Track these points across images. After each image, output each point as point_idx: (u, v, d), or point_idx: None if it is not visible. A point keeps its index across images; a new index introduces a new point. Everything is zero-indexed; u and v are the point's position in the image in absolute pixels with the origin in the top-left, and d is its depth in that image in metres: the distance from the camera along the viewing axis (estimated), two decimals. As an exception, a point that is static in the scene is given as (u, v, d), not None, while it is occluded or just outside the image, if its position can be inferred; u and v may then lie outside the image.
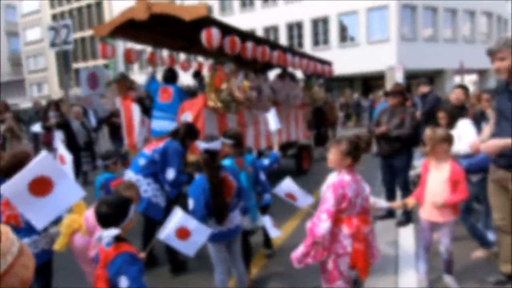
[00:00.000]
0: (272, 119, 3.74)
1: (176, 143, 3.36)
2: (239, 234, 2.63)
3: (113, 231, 1.75)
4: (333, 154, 2.30)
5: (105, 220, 1.78)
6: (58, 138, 6.25)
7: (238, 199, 2.57)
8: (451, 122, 3.61)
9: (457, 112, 3.83)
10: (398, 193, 4.54)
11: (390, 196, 4.58)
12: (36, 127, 7.67)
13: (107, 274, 1.72)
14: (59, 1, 34.93)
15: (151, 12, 4.44)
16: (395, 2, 20.13)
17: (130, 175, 3.38)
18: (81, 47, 33.50)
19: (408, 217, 4.28)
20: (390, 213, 4.57)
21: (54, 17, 34.51)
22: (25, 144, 8.41)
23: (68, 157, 2.88)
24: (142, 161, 3.38)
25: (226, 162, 2.77)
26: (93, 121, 8.15)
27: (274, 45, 5.78)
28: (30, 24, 37.17)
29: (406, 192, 4.36)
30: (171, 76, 4.88)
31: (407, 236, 3.98)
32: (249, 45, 4.86)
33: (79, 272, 2.68)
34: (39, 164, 1.60)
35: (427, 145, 2.77)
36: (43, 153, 1.64)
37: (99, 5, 32.13)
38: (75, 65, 30.88)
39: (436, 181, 2.73)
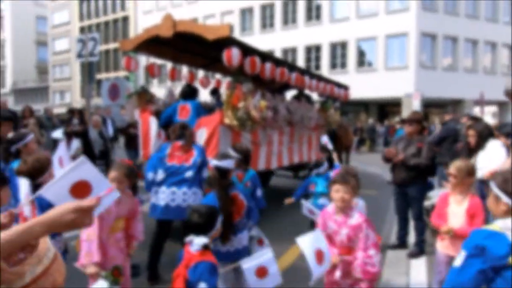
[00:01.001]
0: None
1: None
2: (247, 255, 2.61)
3: (203, 240, 1.91)
4: (347, 193, 2.30)
5: (195, 229, 1.94)
6: (75, 145, 6.43)
7: (248, 219, 2.56)
8: (480, 142, 3.56)
9: (487, 132, 3.73)
10: (411, 222, 4.44)
11: (403, 225, 4.48)
12: (57, 133, 7.90)
13: (187, 275, 1.85)
14: (89, 14, 36.55)
15: (176, 31, 4.61)
16: (415, 30, 20.24)
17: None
18: (105, 59, 34.69)
19: (421, 248, 4.17)
20: (402, 243, 4.45)
21: (82, 29, 36.07)
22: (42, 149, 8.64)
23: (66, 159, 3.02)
24: (189, 174, 3.37)
25: None
26: (110, 131, 8.35)
27: (293, 67, 5.87)
28: (59, 35, 38.89)
29: (420, 222, 4.27)
30: (189, 92, 4.99)
31: (419, 268, 3.86)
32: (268, 65, 4.96)
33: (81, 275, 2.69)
34: (79, 168, 1.67)
35: (454, 178, 2.71)
36: (82, 158, 1.71)
37: (125, 20, 33.47)
38: (98, 76, 31.95)
39: (456, 214, 2.69)
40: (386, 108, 23.22)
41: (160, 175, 3.27)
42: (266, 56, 5.11)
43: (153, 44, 5.29)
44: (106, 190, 1.77)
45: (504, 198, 1.58)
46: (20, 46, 42.56)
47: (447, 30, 21.05)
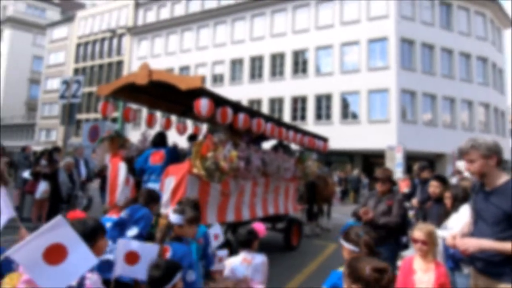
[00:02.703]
0: None
1: (145, 208, 3.27)
2: None
3: None
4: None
5: (152, 283, 1.97)
6: (42, 187, 6.18)
7: None
8: (456, 204, 3.59)
9: (463, 195, 3.75)
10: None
11: (376, 287, 4.26)
12: (26, 174, 7.65)
13: None
14: (84, 57, 37.55)
15: (151, 79, 4.68)
16: (395, 86, 21.27)
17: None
18: (87, 100, 34.92)
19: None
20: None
21: (76, 70, 36.82)
22: (10, 189, 8.31)
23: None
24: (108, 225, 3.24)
25: None
26: (83, 172, 8.12)
27: (268, 118, 5.95)
28: (52, 74, 39.54)
29: (392, 284, 4.07)
30: (160, 140, 4.95)
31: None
32: (241, 116, 5.00)
33: None
34: (55, 229, 1.57)
35: (424, 245, 2.63)
36: (59, 217, 1.61)
37: (119, 64, 34.41)
38: (78, 116, 32.05)
39: (423, 283, 2.57)
40: (370, 160, 23.56)
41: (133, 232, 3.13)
42: (239, 107, 5.17)
43: (131, 90, 5.34)
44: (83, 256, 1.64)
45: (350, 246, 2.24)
46: (13, 83, 42.95)
47: (425, 88, 22.19)
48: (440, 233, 3.27)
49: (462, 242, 2.29)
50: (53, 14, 46.74)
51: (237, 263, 2.73)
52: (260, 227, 2.99)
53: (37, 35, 44.94)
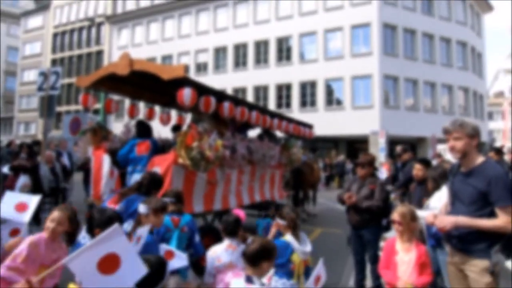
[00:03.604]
0: None
1: (142, 198, 3.23)
2: None
3: None
4: None
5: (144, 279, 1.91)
6: (22, 181, 6.03)
7: None
8: (437, 186, 3.71)
9: (443, 176, 3.88)
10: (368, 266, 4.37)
11: (360, 269, 4.40)
12: (5, 168, 7.43)
13: None
14: (62, 47, 36.28)
15: (132, 69, 4.59)
16: (378, 72, 21.50)
17: None
18: (67, 92, 33.96)
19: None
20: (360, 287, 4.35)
21: (54, 61, 35.58)
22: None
23: (31, 201, 2.91)
24: None
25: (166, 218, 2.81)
26: (67, 164, 7.96)
27: (252, 106, 5.94)
28: (29, 65, 38.13)
29: (376, 265, 4.21)
30: (144, 131, 4.89)
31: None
32: (226, 104, 4.98)
33: None
34: (111, 238, 1.57)
35: (400, 225, 2.75)
36: (115, 226, 1.60)
37: (99, 54, 33.43)
38: (58, 108, 31.18)
39: (405, 263, 2.70)
40: (354, 145, 23.91)
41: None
42: (223, 96, 5.15)
43: (111, 81, 5.22)
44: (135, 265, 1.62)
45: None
46: (-13, 75, 41.28)
47: (407, 73, 22.52)
48: (421, 213, 3.40)
49: (439, 220, 2.40)
50: (26, 3, 44.70)
51: (222, 250, 2.77)
52: (241, 213, 3.05)
53: (11, 25, 43.04)
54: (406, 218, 2.77)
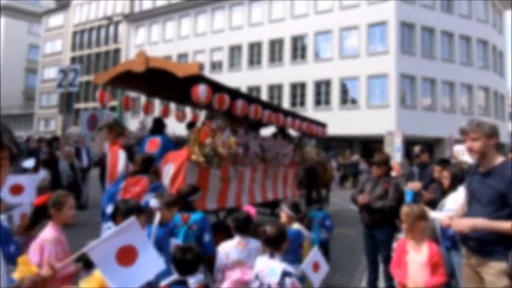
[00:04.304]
0: None
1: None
2: None
3: (200, 276, 2.11)
4: None
5: (188, 267, 2.08)
6: (42, 175, 6.21)
7: None
8: (454, 184, 3.59)
9: (461, 175, 3.77)
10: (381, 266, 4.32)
11: (373, 269, 4.36)
12: (28, 163, 7.68)
13: None
14: (81, 45, 37.13)
15: (148, 66, 4.66)
16: (394, 71, 21.12)
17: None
18: (85, 89, 34.69)
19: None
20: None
21: (73, 59, 36.44)
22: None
23: (27, 182, 2.91)
24: None
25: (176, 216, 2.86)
26: (85, 161, 8.16)
27: (266, 104, 5.95)
28: (49, 63, 39.17)
29: (388, 266, 4.15)
30: (157, 127, 4.96)
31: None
32: (239, 102, 5.00)
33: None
34: (128, 231, 1.61)
35: (404, 223, 2.75)
36: (132, 219, 1.64)
37: (117, 52, 34.05)
38: (76, 105, 31.84)
39: (416, 263, 2.66)
40: (369, 145, 23.59)
41: (109, 209, 3.14)
42: (237, 94, 5.17)
43: (127, 78, 5.32)
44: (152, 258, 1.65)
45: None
46: (10, 72, 42.48)
47: (425, 72, 22.04)
48: (435, 214, 3.33)
49: (456, 222, 2.35)
50: (48, 2, 45.92)
51: (232, 247, 2.79)
52: (251, 210, 3.08)
53: (32, 24, 44.30)
54: (409, 217, 2.73)
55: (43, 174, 6.07)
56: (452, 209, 3.61)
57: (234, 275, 2.65)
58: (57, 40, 39.33)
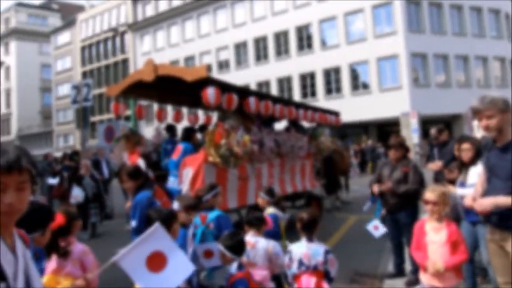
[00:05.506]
0: None
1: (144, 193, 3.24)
2: None
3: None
4: None
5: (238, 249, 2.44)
6: (76, 193, 6.43)
7: None
8: (475, 158, 3.38)
9: (483, 147, 3.56)
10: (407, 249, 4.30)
11: (399, 253, 4.35)
12: (53, 180, 7.97)
13: None
14: (90, 59, 37.93)
15: (157, 74, 4.76)
16: (404, 51, 20.66)
17: None
18: (98, 102, 35.37)
19: (418, 276, 4.01)
20: (399, 272, 4.30)
21: (84, 74, 37.30)
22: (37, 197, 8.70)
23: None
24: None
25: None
26: (105, 172, 8.40)
27: (277, 99, 5.97)
28: (62, 80, 40.22)
29: (414, 248, 4.14)
30: (185, 136, 5.09)
31: (416, 298, 3.70)
32: (252, 100, 5.05)
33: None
34: (154, 237, 1.63)
35: (435, 205, 2.69)
36: (156, 225, 1.65)
37: (125, 62, 34.62)
38: (92, 118, 32.53)
39: (435, 244, 2.64)
40: (385, 128, 23.23)
41: (134, 224, 3.14)
42: (246, 91, 5.22)
43: (138, 87, 5.45)
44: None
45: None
46: (25, 93, 43.93)
47: (436, 49, 21.46)
48: (461, 191, 3.27)
49: (478, 203, 2.33)
50: (54, 20, 47.07)
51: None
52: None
53: (42, 43, 45.48)
54: (444, 198, 2.69)
55: (77, 191, 6.30)
56: (475, 183, 3.51)
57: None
58: (67, 57, 40.31)
